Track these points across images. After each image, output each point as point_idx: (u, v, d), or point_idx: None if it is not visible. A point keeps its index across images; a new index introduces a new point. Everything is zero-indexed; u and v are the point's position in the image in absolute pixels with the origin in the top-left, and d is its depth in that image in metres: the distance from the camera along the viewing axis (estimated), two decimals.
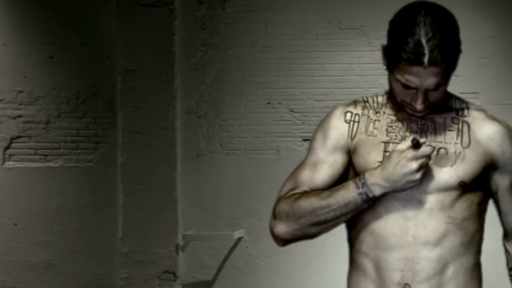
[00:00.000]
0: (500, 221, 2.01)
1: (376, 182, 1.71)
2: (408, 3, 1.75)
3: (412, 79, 1.69)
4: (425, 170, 1.71)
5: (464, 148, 1.85)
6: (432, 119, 1.87)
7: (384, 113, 1.87)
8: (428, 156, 1.71)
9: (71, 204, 4.11)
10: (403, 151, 1.70)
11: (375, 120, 1.85)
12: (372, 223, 1.81)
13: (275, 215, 1.83)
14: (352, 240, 1.89)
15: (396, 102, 1.87)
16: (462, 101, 1.96)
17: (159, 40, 3.99)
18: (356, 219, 1.83)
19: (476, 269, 1.88)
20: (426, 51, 1.65)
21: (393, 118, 1.85)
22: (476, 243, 1.90)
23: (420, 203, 1.78)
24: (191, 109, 4.11)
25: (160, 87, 3.98)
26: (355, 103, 1.89)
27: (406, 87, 1.72)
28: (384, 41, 1.75)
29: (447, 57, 1.68)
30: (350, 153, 1.85)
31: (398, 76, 1.71)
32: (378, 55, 1.83)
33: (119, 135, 3.98)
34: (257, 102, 4.11)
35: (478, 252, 1.90)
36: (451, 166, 1.81)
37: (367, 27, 4.10)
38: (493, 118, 1.95)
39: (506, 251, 2.07)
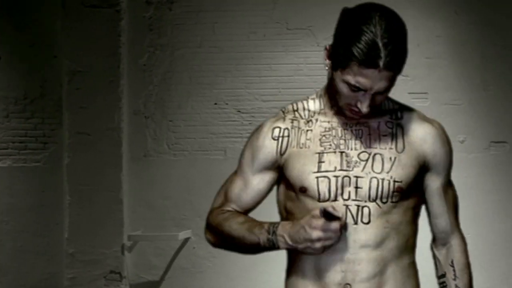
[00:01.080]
0: (429, 224, 2.01)
1: (282, 235, 1.74)
2: (359, 3, 1.74)
3: (364, 82, 1.68)
4: (330, 244, 1.69)
5: (399, 153, 1.85)
6: (366, 124, 1.87)
7: (316, 120, 1.87)
8: (337, 232, 1.69)
9: (19, 204, 4.12)
10: (313, 216, 1.70)
11: (307, 130, 1.84)
12: None
13: (207, 224, 1.95)
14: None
15: (331, 106, 1.87)
16: (394, 102, 1.95)
17: (105, 41, 3.99)
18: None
19: (412, 267, 1.92)
20: (383, 55, 1.65)
21: (327, 125, 1.85)
22: (412, 244, 1.93)
23: (359, 209, 1.80)
24: (139, 110, 4.11)
25: (106, 88, 3.99)
26: (284, 115, 1.88)
27: (354, 89, 1.71)
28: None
29: (400, 62, 1.72)
30: (280, 168, 1.86)
31: (348, 78, 1.70)
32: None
33: (66, 136, 3.99)
34: (204, 103, 4.11)
35: (413, 251, 1.94)
36: (387, 172, 1.82)
37: (315, 27, 4.10)
38: (425, 119, 1.96)
39: (435, 257, 2.07)
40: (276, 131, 1.85)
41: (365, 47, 1.65)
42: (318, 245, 1.69)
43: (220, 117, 4.10)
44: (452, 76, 4.14)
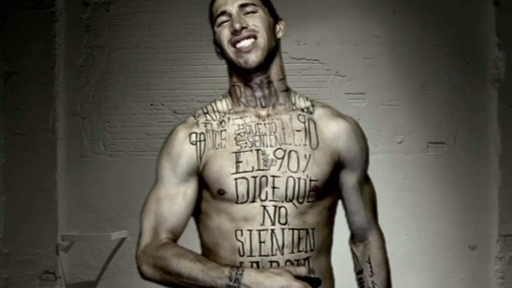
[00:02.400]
0: (347, 221, 2.00)
1: (248, 285, 1.65)
2: None
3: (222, 5, 1.83)
4: None
5: (313, 149, 1.86)
6: (278, 117, 1.88)
7: (229, 120, 1.89)
8: None
9: None
10: (289, 272, 1.66)
11: (221, 131, 1.86)
12: (230, 228, 1.82)
13: (139, 254, 1.83)
14: (207, 244, 1.89)
15: (239, 104, 1.89)
16: (306, 98, 1.95)
17: (40, 42, 4.00)
18: (212, 225, 1.85)
19: (328, 270, 1.93)
20: None
21: (240, 123, 1.87)
22: (328, 245, 1.94)
23: (276, 210, 1.80)
24: (76, 111, 4.12)
25: (41, 89, 4.00)
26: (196, 119, 1.90)
27: (223, 21, 1.83)
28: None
29: None
30: (199, 172, 1.86)
31: (215, 18, 1.85)
32: None
33: (1, 137, 4.00)
34: (140, 104, 4.11)
35: (330, 252, 1.94)
36: (303, 171, 1.82)
37: None
38: (338, 115, 1.96)
39: (354, 255, 2.07)
40: (193, 136, 1.85)
41: None
42: None
43: (156, 117, 4.10)
44: (390, 76, 4.11)
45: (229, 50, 1.84)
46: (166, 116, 4.09)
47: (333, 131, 1.90)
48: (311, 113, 1.92)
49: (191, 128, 1.87)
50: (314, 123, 1.89)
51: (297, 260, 1.80)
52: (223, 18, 1.84)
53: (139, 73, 4.12)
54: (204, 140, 1.84)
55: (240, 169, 1.80)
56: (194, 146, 1.84)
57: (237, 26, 1.80)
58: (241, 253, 1.78)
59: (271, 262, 1.78)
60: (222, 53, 1.89)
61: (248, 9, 1.84)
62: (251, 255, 1.79)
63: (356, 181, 1.96)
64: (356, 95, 4.09)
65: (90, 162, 4.11)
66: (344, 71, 4.09)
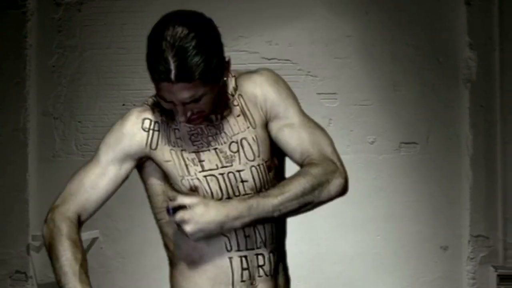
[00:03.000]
0: (296, 163, 1.85)
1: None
2: (164, 15, 1.76)
3: (166, 95, 1.66)
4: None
5: (254, 128, 1.83)
6: (225, 114, 1.84)
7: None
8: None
9: None
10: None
11: (175, 129, 1.80)
12: None
13: (49, 212, 1.86)
14: (177, 243, 1.87)
15: None
16: (231, 76, 1.86)
17: (12, 42, 4.01)
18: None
19: (285, 262, 1.94)
20: (172, 67, 1.60)
21: (191, 126, 1.80)
22: (284, 237, 1.94)
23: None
24: (48, 111, 4.13)
25: (13, 89, 4.01)
26: (151, 107, 1.83)
27: (165, 101, 1.69)
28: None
29: (198, 68, 1.62)
30: (147, 160, 1.82)
31: (158, 93, 1.69)
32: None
33: None
34: (112, 104, 4.11)
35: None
36: (258, 156, 1.81)
37: (221, 28, 4.08)
38: (252, 73, 1.88)
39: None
40: (147, 122, 1.80)
41: (156, 64, 1.63)
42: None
43: None
44: (362, 76, 4.10)
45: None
46: None
47: (250, 91, 1.83)
48: (237, 89, 1.85)
49: (145, 113, 1.82)
50: (243, 97, 1.84)
51: (276, 251, 1.84)
52: (168, 103, 1.71)
53: (111, 73, 4.12)
54: (158, 130, 1.79)
55: (206, 167, 1.77)
56: (146, 133, 1.79)
57: (183, 119, 1.71)
58: (228, 248, 1.77)
59: (257, 254, 1.80)
60: None
61: (195, 100, 1.70)
62: (238, 250, 1.78)
63: (285, 123, 1.82)
64: (328, 95, 4.08)
65: (62, 162, 4.12)
66: (315, 71, 4.09)
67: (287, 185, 1.72)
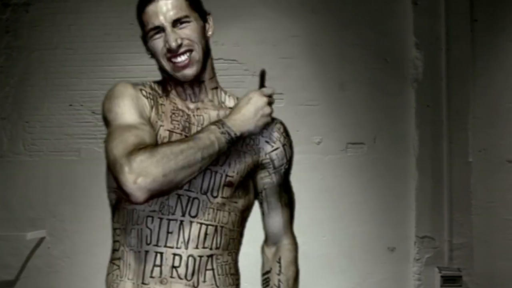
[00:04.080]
0: (262, 222, 1.99)
1: (233, 123, 1.75)
2: None
3: (153, 19, 1.78)
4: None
5: (234, 146, 1.85)
6: (206, 111, 1.91)
7: (166, 98, 1.90)
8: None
9: None
10: (260, 94, 1.84)
11: (161, 104, 1.86)
12: (144, 214, 1.80)
13: (131, 168, 1.56)
14: (119, 228, 1.87)
15: (171, 91, 1.89)
16: (236, 98, 1.96)
17: None
18: (128, 208, 1.82)
19: (233, 270, 1.92)
20: None
21: (175, 105, 1.88)
22: (236, 247, 1.94)
23: (190, 201, 1.80)
24: None
25: None
26: (140, 84, 1.87)
27: (157, 34, 1.79)
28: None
29: None
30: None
31: (147, 29, 1.80)
32: None
33: None
34: (59, 104, 4.12)
35: (237, 254, 1.95)
36: (221, 166, 1.84)
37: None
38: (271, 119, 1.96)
39: (264, 255, 2.07)
40: (144, 91, 1.84)
41: None
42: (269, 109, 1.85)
43: (75, 118, 4.11)
44: (309, 76, 4.08)
45: (165, 63, 1.83)
46: (84, 117, 4.10)
47: (266, 137, 1.92)
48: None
49: (138, 86, 1.85)
50: None
51: (200, 257, 1.79)
52: (156, 32, 1.80)
53: (58, 74, 4.13)
54: (152, 99, 1.84)
55: None
56: (147, 100, 1.82)
57: (173, 45, 1.78)
58: (148, 241, 1.77)
59: (174, 254, 1.77)
60: (155, 58, 1.86)
61: (181, 21, 1.82)
62: (157, 245, 1.77)
63: (275, 183, 1.95)
64: (275, 95, 4.05)
65: (9, 162, 4.13)
66: None
67: None
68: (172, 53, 1.79)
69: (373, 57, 4.06)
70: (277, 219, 2.00)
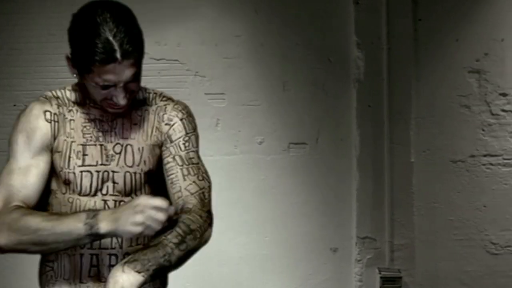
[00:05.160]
0: (170, 196, 1.89)
1: (105, 218, 1.67)
2: (81, 6, 1.77)
3: (110, 77, 1.72)
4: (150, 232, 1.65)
5: (146, 141, 1.91)
6: (121, 116, 1.91)
7: (77, 111, 1.91)
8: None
9: None
10: (143, 201, 1.65)
11: (70, 120, 1.88)
12: None
13: None
14: None
15: (87, 100, 1.90)
16: (145, 90, 1.98)
17: None
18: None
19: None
20: (116, 47, 1.68)
21: (87, 117, 1.89)
22: None
23: (116, 204, 1.85)
24: None
25: None
26: (49, 100, 1.91)
27: (105, 87, 1.75)
28: None
29: (136, 46, 1.73)
30: (52, 152, 1.87)
31: (96, 79, 1.73)
32: None
33: None
34: (4, 105, 4.13)
35: None
36: (138, 165, 1.88)
37: None
38: (177, 102, 1.99)
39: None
40: (48, 114, 1.86)
41: (100, 47, 1.68)
42: (138, 228, 1.63)
43: None
44: (251, 76, 4.07)
45: (98, 101, 1.81)
46: None
47: (170, 117, 1.93)
48: (149, 105, 1.93)
49: (45, 105, 1.88)
50: (151, 114, 1.92)
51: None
52: (106, 84, 1.75)
53: (3, 74, 4.14)
54: (58, 121, 1.86)
55: (86, 162, 1.84)
56: (49, 124, 1.85)
57: (122, 104, 1.78)
58: (81, 246, 1.81)
59: (110, 255, 1.83)
60: (82, 79, 1.80)
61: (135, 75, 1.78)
62: (91, 248, 1.82)
63: (172, 154, 1.91)
64: (216, 95, 4.06)
65: None
66: (204, 71, 4.07)
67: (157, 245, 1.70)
68: (115, 107, 1.80)
69: (316, 57, 4.04)
70: (180, 192, 1.87)
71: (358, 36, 3.97)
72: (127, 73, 1.72)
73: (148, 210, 1.62)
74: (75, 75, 1.81)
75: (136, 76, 1.75)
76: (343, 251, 4.03)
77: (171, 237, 1.69)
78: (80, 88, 1.90)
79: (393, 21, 3.95)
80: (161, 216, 1.63)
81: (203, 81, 4.08)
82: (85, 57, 1.69)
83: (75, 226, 1.66)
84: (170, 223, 1.67)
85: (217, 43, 4.07)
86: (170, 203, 1.72)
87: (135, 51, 1.71)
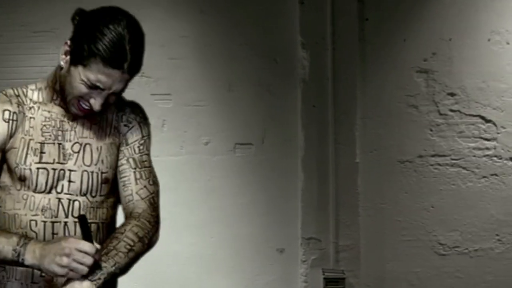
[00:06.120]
0: (121, 199, 1.95)
1: (33, 249, 1.69)
2: (102, 6, 1.81)
3: (106, 81, 1.74)
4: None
5: (104, 141, 1.94)
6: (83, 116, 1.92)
7: (38, 109, 1.92)
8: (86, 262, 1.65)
9: None
10: (71, 244, 1.65)
11: (30, 118, 1.89)
12: (26, 218, 1.87)
13: None
14: None
15: (52, 99, 1.92)
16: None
17: None
18: (8, 212, 1.88)
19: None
20: (129, 58, 1.73)
21: (47, 115, 1.91)
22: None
23: (71, 203, 1.87)
24: None
25: None
26: (9, 98, 1.90)
27: (92, 86, 1.76)
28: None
29: (140, 66, 1.80)
30: (5, 151, 1.88)
31: (89, 75, 1.74)
32: None
33: None
34: None
35: None
36: (96, 164, 1.91)
37: (59, 30, 4.09)
38: (137, 105, 2.04)
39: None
40: (6, 113, 1.85)
41: (112, 47, 1.71)
42: (63, 271, 1.64)
43: None
44: (197, 76, 4.07)
45: (72, 99, 1.83)
46: None
47: (124, 122, 1.96)
48: (108, 105, 1.94)
49: (4, 105, 1.87)
50: (110, 113, 1.94)
51: None
52: (96, 85, 1.77)
53: None
54: (16, 120, 1.86)
55: (43, 160, 1.85)
56: (7, 124, 1.85)
57: (97, 109, 1.80)
58: None
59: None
60: (68, 68, 1.80)
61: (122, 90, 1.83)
62: None
63: (126, 156, 1.95)
64: (162, 96, 4.06)
65: None
66: (150, 72, 4.07)
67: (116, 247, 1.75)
68: (87, 108, 1.81)
69: (261, 57, 4.04)
70: (135, 196, 1.90)
71: (303, 36, 3.96)
72: (120, 85, 1.76)
73: (75, 253, 1.63)
74: (62, 63, 1.81)
75: (122, 91, 1.80)
76: (290, 251, 4.02)
77: (120, 247, 1.74)
78: (50, 88, 1.90)
79: (338, 20, 3.93)
80: (88, 261, 1.64)
81: (149, 81, 4.08)
82: (92, 48, 1.71)
83: (6, 248, 1.70)
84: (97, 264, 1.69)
85: (163, 43, 4.07)
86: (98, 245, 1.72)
87: (137, 70, 1.78)
